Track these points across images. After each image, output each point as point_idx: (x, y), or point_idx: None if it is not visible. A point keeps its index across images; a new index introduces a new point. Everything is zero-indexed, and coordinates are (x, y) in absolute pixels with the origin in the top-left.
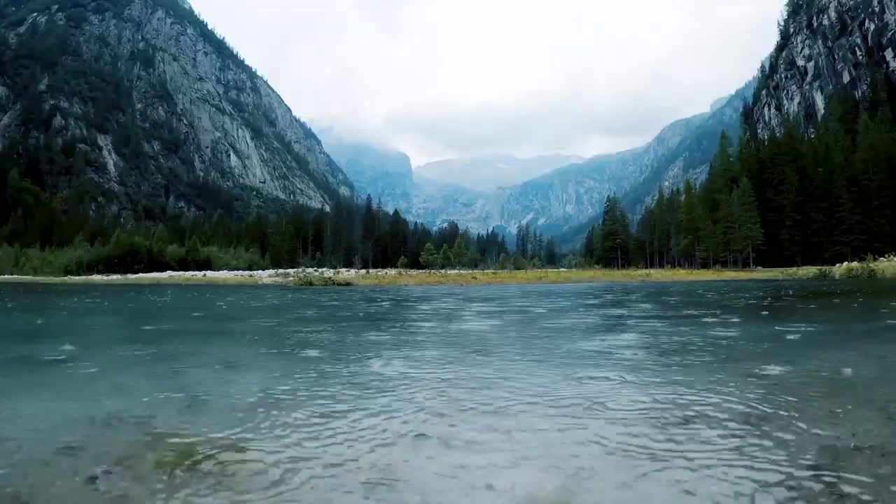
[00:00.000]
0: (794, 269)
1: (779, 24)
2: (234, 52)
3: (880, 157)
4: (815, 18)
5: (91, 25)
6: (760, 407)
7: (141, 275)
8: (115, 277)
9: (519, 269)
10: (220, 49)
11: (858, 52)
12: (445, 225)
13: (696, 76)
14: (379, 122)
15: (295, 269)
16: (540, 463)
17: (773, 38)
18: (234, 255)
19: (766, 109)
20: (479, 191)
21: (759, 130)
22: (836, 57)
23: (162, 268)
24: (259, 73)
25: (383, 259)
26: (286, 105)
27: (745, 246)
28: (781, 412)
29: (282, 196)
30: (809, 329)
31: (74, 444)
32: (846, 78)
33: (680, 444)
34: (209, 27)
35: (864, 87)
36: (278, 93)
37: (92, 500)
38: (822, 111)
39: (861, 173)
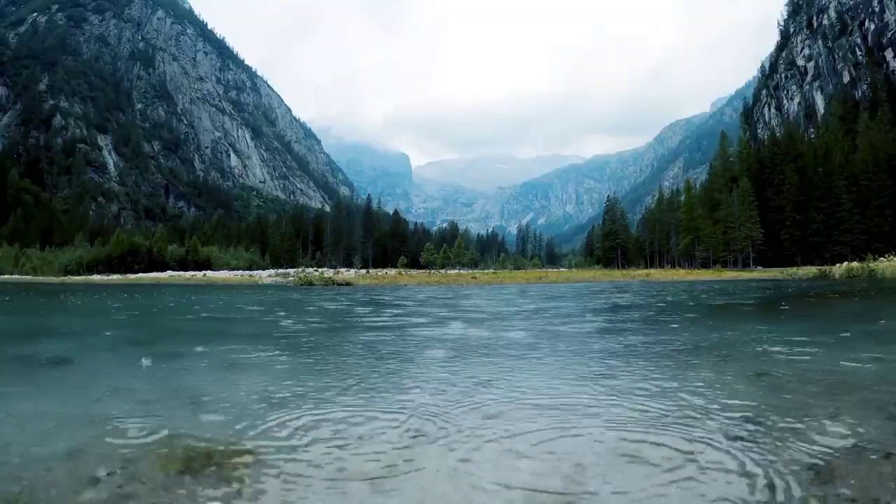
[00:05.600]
0: (794, 269)
1: (779, 24)
2: (234, 52)
3: (880, 157)
4: (815, 18)
5: (91, 25)
6: (760, 407)
7: (141, 275)
8: (115, 277)
9: (519, 268)
10: (220, 49)
11: (858, 52)
12: (445, 225)
13: (696, 76)
14: (379, 122)
15: (295, 269)
16: (540, 463)
17: (773, 38)
18: (233, 255)
19: (766, 109)
20: (479, 191)
21: (759, 130)
22: (836, 57)
23: (162, 268)
24: (259, 73)
25: (383, 259)
26: (286, 105)
27: (745, 246)
28: (781, 412)
29: (282, 196)
30: (809, 329)
31: (75, 445)
32: (846, 78)
33: (680, 444)
34: (209, 27)
35: (864, 87)
36: (278, 93)
37: (92, 501)
38: (822, 111)
39: (861, 173)
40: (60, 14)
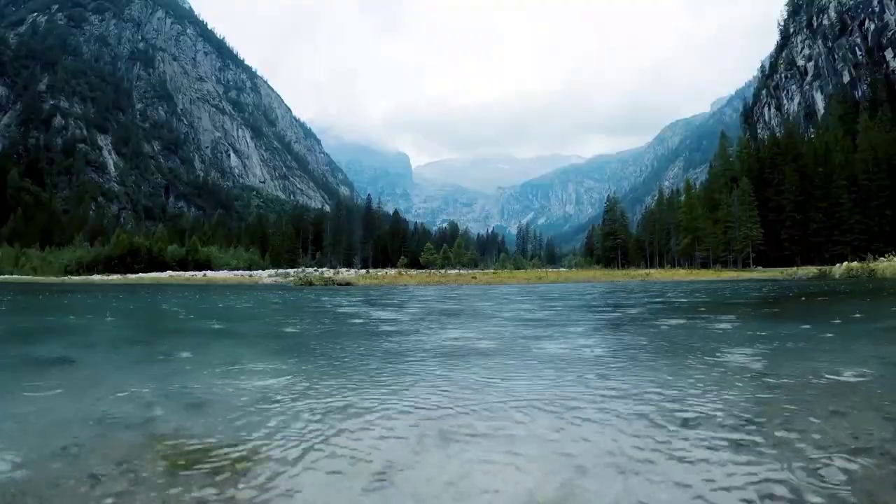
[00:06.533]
0: (794, 269)
1: (779, 23)
2: (234, 52)
3: (880, 157)
4: (815, 18)
5: (91, 25)
6: (760, 407)
7: (141, 275)
8: (115, 277)
9: (519, 268)
10: (220, 49)
11: (858, 52)
12: (445, 225)
13: (696, 76)
14: (379, 122)
15: (295, 269)
16: (539, 464)
17: (773, 38)
18: (234, 255)
19: (766, 109)
20: (479, 191)
21: (759, 130)
22: (836, 57)
23: (162, 268)
24: (259, 73)
25: (383, 259)
26: (286, 105)
27: (745, 246)
28: (781, 412)
29: (282, 196)
30: (809, 329)
31: (75, 444)
32: (846, 78)
33: (679, 445)
34: (209, 27)
35: (864, 87)
36: (278, 93)
37: (92, 501)
38: (822, 111)
39: (861, 173)
40: (60, 14)
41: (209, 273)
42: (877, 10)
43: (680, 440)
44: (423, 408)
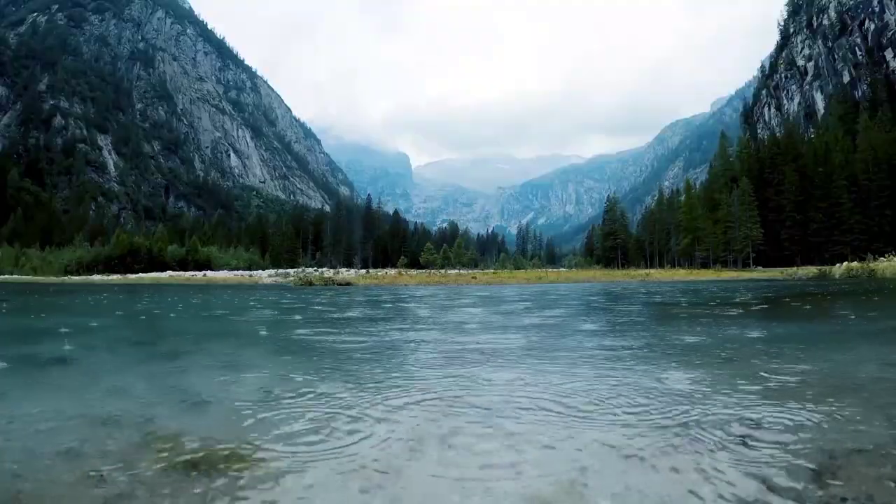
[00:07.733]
0: (794, 269)
1: (779, 23)
2: (234, 52)
3: (880, 157)
4: (815, 18)
5: (91, 25)
6: (760, 408)
7: (141, 275)
8: (114, 277)
9: (519, 268)
10: (220, 49)
11: (858, 52)
12: (445, 225)
13: (696, 76)
14: (379, 122)
15: (295, 269)
16: (540, 464)
17: (773, 38)
18: (234, 255)
19: (766, 109)
20: (479, 191)
21: (759, 130)
22: (836, 57)
23: (162, 268)
24: (259, 73)
25: (383, 259)
26: (286, 105)
27: (745, 246)
28: (781, 413)
29: (282, 196)
30: (808, 329)
31: (74, 444)
32: (846, 78)
33: (680, 445)
34: (209, 27)
35: (864, 87)
36: (278, 93)
37: (92, 501)
38: (822, 111)
39: (861, 173)
40: (60, 14)
41: (209, 273)
42: (877, 10)
43: (680, 440)
44: (424, 408)
